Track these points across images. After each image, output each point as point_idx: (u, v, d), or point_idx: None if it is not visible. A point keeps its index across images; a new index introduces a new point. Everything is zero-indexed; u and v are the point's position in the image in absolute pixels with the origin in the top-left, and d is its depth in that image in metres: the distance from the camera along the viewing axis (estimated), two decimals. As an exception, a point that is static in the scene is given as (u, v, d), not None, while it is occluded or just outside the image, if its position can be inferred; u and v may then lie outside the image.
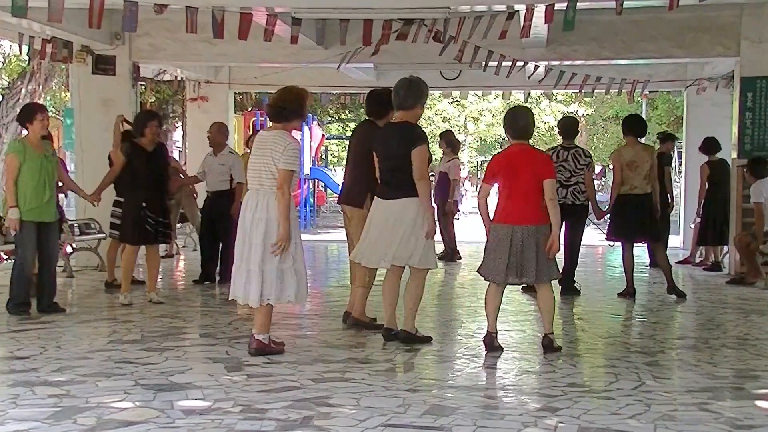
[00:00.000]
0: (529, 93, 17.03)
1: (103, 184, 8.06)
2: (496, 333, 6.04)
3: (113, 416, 4.31)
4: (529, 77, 11.76)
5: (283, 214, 5.53)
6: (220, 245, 9.29)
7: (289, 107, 5.73)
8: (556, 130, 9.22)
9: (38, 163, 7.22)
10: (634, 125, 8.81)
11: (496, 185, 6.14)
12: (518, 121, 6.07)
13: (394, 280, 6.30)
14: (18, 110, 14.04)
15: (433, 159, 16.53)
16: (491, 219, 6.06)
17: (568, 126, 8.94)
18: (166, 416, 4.32)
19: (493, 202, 6.26)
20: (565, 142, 8.83)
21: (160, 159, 8.13)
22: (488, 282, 6.07)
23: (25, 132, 7.76)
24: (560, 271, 6.07)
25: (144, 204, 7.88)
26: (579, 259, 8.87)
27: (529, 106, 31.67)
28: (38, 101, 14.52)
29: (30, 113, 7.36)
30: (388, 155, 6.12)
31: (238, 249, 5.71)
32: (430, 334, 6.44)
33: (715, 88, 12.93)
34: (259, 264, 5.57)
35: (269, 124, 6.18)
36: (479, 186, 6.56)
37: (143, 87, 13.71)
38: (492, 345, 5.98)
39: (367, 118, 7.00)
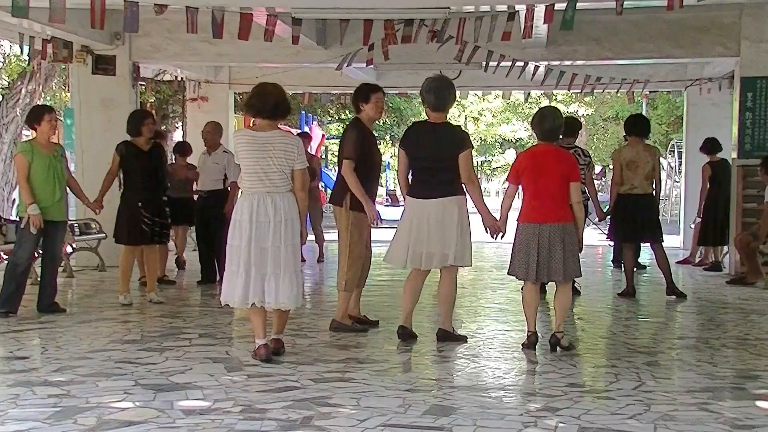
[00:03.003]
0: (529, 93, 17.02)
1: (103, 188, 8.05)
2: (537, 333, 6.05)
3: (113, 416, 4.31)
4: (531, 79, 11.76)
5: (304, 213, 5.70)
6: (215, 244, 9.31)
7: (282, 103, 5.69)
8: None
9: (47, 162, 7.24)
10: (636, 125, 8.81)
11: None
12: (545, 123, 6.07)
13: (419, 281, 6.36)
14: (18, 110, 14.13)
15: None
16: (507, 217, 6.16)
17: (569, 126, 8.93)
18: (167, 416, 4.32)
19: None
20: (565, 141, 8.82)
21: (156, 159, 8.12)
22: (520, 281, 6.14)
23: (27, 133, 7.77)
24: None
25: (140, 204, 7.88)
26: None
27: (530, 104, 31.59)
28: (38, 101, 14.51)
29: (38, 115, 7.38)
30: (428, 156, 6.09)
31: (254, 255, 5.45)
32: (430, 334, 6.45)
33: (718, 88, 12.93)
34: (291, 266, 5.52)
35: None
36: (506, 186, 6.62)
37: (143, 87, 13.70)
38: (535, 345, 5.99)
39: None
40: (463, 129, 6.40)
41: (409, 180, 6.30)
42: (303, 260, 5.97)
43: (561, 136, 8.78)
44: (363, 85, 6.78)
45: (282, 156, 5.50)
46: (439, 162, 6.06)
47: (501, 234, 6.28)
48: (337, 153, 6.86)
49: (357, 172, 6.35)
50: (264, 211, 5.46)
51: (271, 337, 5.77)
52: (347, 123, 6.95)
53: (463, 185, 6.13)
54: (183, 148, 10.92)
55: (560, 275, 5.94)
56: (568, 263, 5.90)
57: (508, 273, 6.27)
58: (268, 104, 5.59)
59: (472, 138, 7.50)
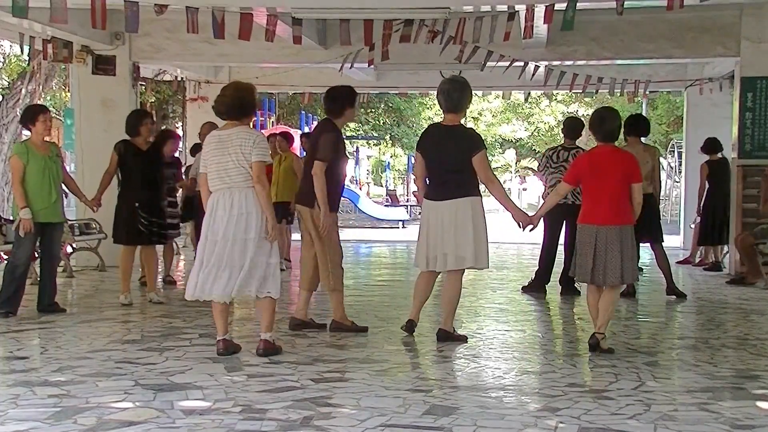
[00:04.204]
0: (529, 93, 17.04)
1: (101, 187, 8.03)
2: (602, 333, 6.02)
3: (113, 416, 4.31)
4: (531, 79, 11.76)
5: (267, 206, 5.61)
6: None
7: (246, 103, 5.71)
8: (561, 128, 9.25)
9: (42, 164, 7.22)
10: (636, 125, 8.81)
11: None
12: (605, 124, 6.06)
13: (430, 280, 6.40)
14: (18, 110, 14.14)
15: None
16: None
17: (574, 126, 8.95)
18: (167, 416, 4.32)
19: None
20: (567, 142, 8.84)
21: (154, 158, 8.11)
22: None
23: (26, 133, 7.75)
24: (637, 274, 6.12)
25: (137, 204, 7.87)
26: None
27: (530, 104, 31.60)
28: (38, 101, 14.51)
29: (32, 115, 7.36)
30: (443, 158, 6.13)
31: (211, 249, 5.58)
32: (430, 334, 6.45)
33: (719, 88, 12.93)
34: (251, 259, 5.55)
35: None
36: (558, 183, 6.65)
37: (143, 87, 13.71)
38: (597, 346, 5.91)
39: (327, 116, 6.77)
40: (476, 131, 6.42)
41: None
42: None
43: (563, 138, 8.90)
44: (347, 87, 6.70)
45: (238, 151, 5.55)
46: (451, 164, 6.09)
47: (532, 227, 6.32)
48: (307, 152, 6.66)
49: (331, 176, 6.30)
50: (222, 206, 5.58)
51: (260, 338, 5.78)
52: (321, 123, 6.82)
53: (478, 186, 6.19)
54: (200, 149, 10.88)
55: (617, 278, 5.89)
56: (626, 266, 5.86)
57: (569, 274, 6.31)
58: (222, 106, 5.71)
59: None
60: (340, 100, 6.53)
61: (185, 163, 11.33)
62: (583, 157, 6.29)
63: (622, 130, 6.88)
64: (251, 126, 5.83)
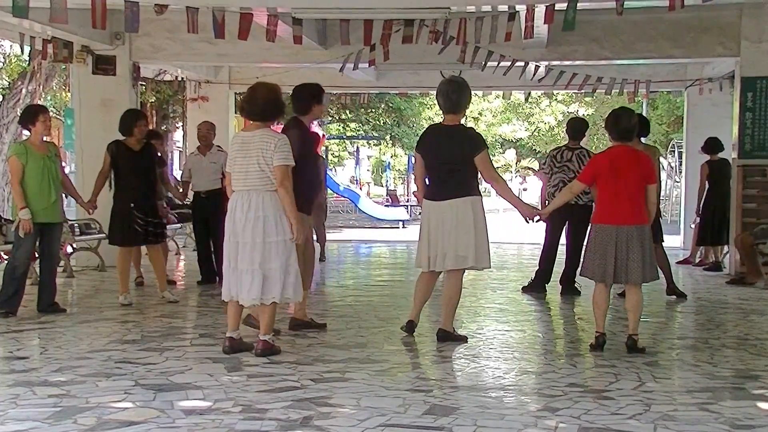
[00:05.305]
0: (529, 93, 17.04)
1: (96, 189, 8.01)
2: (605, 334, 6.05)
3: (113, 416, 4.31)
4: (531, 79, 11.76)
5: (291, 209, 5.62)
6: (215, 244, 9.30)
7: (280, 104, 5.76)
8: (565, 129, 9.24)
9: (41, 164, 7.21)
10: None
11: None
12: (620, 123, 6.08)
13: (431, 281, 6.42)
14: (18, 110, 14.14)
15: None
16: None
17: (578, 127, 8.94)
18: (167, 416, 4.32)
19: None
20: (570, 142, 8.83)
21: (147, 158, 8.09)
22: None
23: (26, 133, 7.74)
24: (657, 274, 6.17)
25: (132, 205, 7.86)
26: (580, 260, 8.85)
27: (530, 104, 31.61)
28: (39, 101, 14.50)
29: (32, 115, 7.35)
30: (443, 159, 6.15)
31: (231, 250, 5.65)
32: (430, 334, 6.45)
33: (719, 88, 12.92)
34: (261, 263, 5.57)
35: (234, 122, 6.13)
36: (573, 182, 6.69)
37: (143, 87, 13.71)
38: (603, 346, 5.97)
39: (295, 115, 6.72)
40: (476, 131, 6.46)
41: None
42: None
43: (567, 138, 8.89)
44: (314, 85, 6.67)
45: (260, 154, 5.58)
46: (452, 164, 6.11)
47: (539, 219, 6.47)
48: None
49: (301, 175, 6.05)
50: (240, 207, 5.62)
51: (258, 338, 5.79)
52: (288, 122, 6.71)
53: (478, 186, 6.25)
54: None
55: (639, 277, 5.91)
56: (647, 265, 5.90)
57: (580, 274, 6.34)
58: (256, 107, 5.73)
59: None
60: (307, 98, 6.55)
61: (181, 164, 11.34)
62: (601, 156, 6.29)
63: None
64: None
